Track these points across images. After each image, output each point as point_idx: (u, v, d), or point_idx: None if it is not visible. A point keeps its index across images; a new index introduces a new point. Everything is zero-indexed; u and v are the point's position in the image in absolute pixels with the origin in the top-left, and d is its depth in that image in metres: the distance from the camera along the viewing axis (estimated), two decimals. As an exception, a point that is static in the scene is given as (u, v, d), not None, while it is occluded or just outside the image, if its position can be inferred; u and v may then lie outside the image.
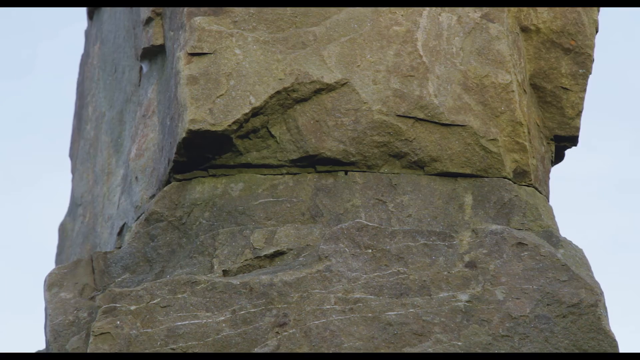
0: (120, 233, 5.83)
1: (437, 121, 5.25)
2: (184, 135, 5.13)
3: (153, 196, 5.46)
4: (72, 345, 4.80)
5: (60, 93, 14.70)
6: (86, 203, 6.77)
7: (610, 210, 14.10)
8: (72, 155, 7.48)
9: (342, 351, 4.67)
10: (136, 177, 5.76)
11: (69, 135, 7.50)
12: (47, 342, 5.10)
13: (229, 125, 5.13)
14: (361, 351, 4.67)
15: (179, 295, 4.72)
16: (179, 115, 5.21)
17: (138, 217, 5.48)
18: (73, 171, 7.39)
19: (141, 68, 6.02)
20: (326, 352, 4.66)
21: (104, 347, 4.63)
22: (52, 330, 4.98)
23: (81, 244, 6.74)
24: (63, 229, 7.28)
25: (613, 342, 4.83)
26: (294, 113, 5.23)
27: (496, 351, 4.73)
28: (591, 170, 14.28)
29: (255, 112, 5.17)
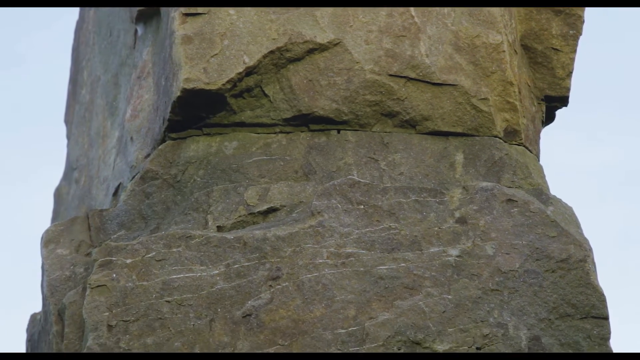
0: (115, 193, 5.90)
1: (428, 80, 5.32)
2: (178, 94, 5.19)
3: (148, 155, 5.52)
4: (69, 299, 4.87)
5: (51, 85, 14.75)
6: (81, 166, 6.84)
7: (618, 203, 14.03)
8: (68, 120, 7.53)
9: (335, 304, 4.75)
10: (131, 138, 5.82)
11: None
12: (44, 297, 5.17)
13: (223, 84, 5.19)
14: (353, 304, 4.75)
15: (174, 249, 4.79)
16: (173, 75, 5.27)
17: (133, 177, 5.55)
18: (68, 136, 7.45)
19: (136, 31, 6.07)
20: (318, 305, 4.74)
21: (101, 300, 4.70)
22: (49, 285, 5.05)
23: (77, 207, 6.80)
24: (58, 194, 7.34)
25: (601, 297, 4.91)
26: (287, 73, 5.29)
27: (485, 304, 4.81)
28: (600, 162, 14.26)
29: (249, 72, 5.23)
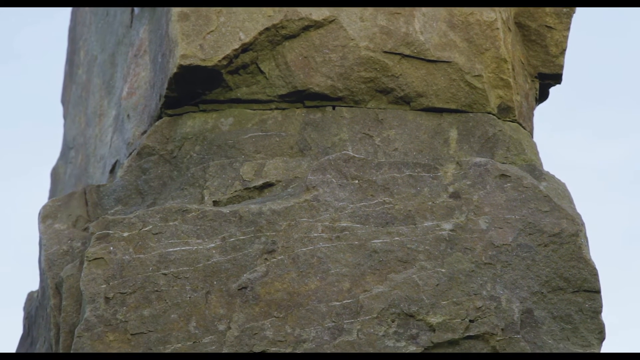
0: (112, 170, 5.94)
1: (423, 57, 5.36)
2: (175, 70, 5.23)
3: (145, 132, 5.56)
4: (66, 273, 4.92)
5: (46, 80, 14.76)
6: (78, 146, 6.88)
7: (626, 201, 14.00)
8: (64, 100, 7.57)
9: (329, 277, 4.79)
10: (128, 115, 5.86)
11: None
12: (42, 272, 5.22)
13: (219, 61, 5.23)
14: (347, 277, 4.80)
15: (171, 223, 4.84)
16: (170, 52, 5.31)
17: (130, 153, 5.59)
18: (65, 116, 7.48)
19: (133, 10, 6.11)
20: (313, 278, 4.79)
21: (98, 272, 4.75)
22: (47, 259, 5.10)
23: (73, 185, 6.84)
24: (55, 173, 7.38)
25: (593, 270, 4.96)
26: (283, 49, 5.33)
27: (478, 278, 4.86)
28: (609, 159, 14.22)
29: (245, 48, 5.26)
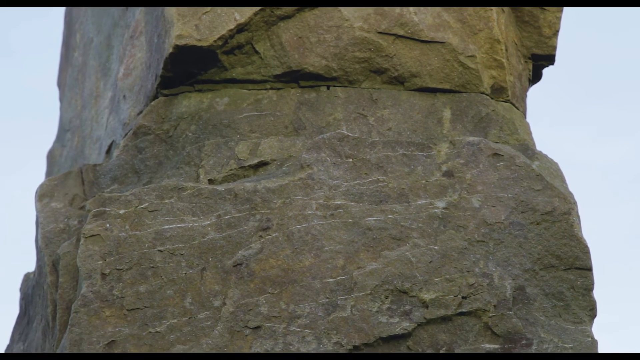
0: (108, 151, 5.98)
1: (416, 38, 5.40)
2: (170, 50, 5.27)
3: (141, 112, 5.60)
4: (63, 250, 4.96)
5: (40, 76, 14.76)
6: (74, 128, 6.91)
7: (631, 199, 13.96)
8: (60, 83, 7.60)
9: (323, 254, 4.84)
10: (124, 96, 5.90)
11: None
12: (39, 250, 5.26)
13: (215, 41, 5.27)
14: (341, 254, 4.85)
15: (166, 201, 4.88)
16: (165, 32, 5.35)
17: (126, 133, 5.63)
18: (61, 99, 7.51)
19: (128, -9, 6.14)
20: (308, 254, 4.83)
21: (94, 249, 4.79)
22: (44, 237, 5.14)
23: (70, 167, 6.87)
24: (51, 156, 7.41)
25: (585, 248, 5.01)
26: (278, 30, 5.37)
27: (471, 255, 4.91)
28: (614, 157, 14.19)
29: (240, 29, 5.30)
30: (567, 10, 7.15)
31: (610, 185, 14.02)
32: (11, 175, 14.55)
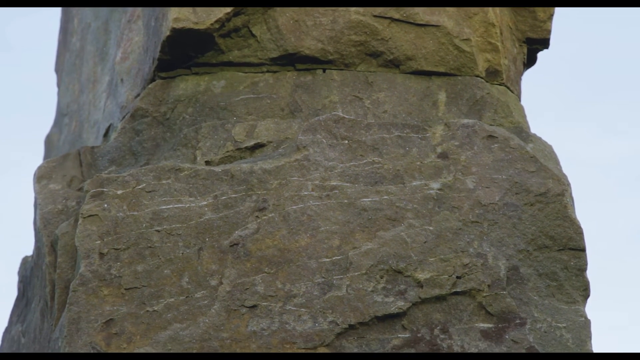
0: (106, 134, 6.02)
1: (412, 21, 5.44)
2: (168, 33, 5.31)
3: (138, 95, 5.64)
4: (61, 231, 5.00)
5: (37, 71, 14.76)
6: (72, 112, 6.95)
7: (633, 197, 13.91)
8: (58, 69, 7.64)
9: (319, 234, 4.89)
10: (121, 80, 5.94)
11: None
12: (37, 231, 5.31)
13: (212, 24, 5.31)
14: (337, 234, 4.89)
15: (164, 181, 4.93)
16: (163, 15, 5.39)
17: (124, 116, 5.67)
18: (59, 84, 7.55)
19: (126, -24, 6.18)
20: (304, 235, 4.88)
21: (92, 228, 4.84)
22: (42, 218, 5.19)
23: (67, 151, 6.91)
24: (49, 141, 7.45)
25: (578, 229, 5.06)
26: (274, 13, 5.41)
27: (465, 235, 4.96)
28: (615, 155, 14.17)
29: (237, 12, 5.34)
30: (570, 7, 7.21)
31: (613, 182, 14.03)
32: (9, 166, 14.60)
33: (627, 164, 14.10)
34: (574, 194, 5.20)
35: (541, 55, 5.91)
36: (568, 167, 5.78)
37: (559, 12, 6.57)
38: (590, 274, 5.08)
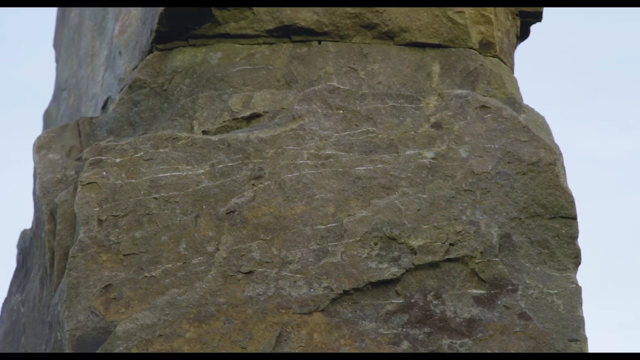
0: (104, 107, 6.09)
1: (406, -6, 5.51)
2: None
3: (136, 67, 5.71)
4: (61, 199, 5.08)
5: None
6: (70, 86, 7.02)
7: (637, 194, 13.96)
8: (56, 44, 7.70)
9: (314, 202, 4.97)
10: (120, 52, 6.01)
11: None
12: (37, 199, 5.38)
13: (208, -4, 5.37)
14: (332, 202, 4.97)
15: (161, 150, 5.00)
16: (160, -13, 5.45)
17: (122, 88, 5.74)
18: (57, 60, 7.61)
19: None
20: (299, 202, 4.96)
21: (91, 196, 4.91)
22: (42, 187, 5.26)
23: (66, 126, 6.98)
24: (47, 115, 7.52)
25: (570, 198, 5.13)
26: (270, -15, 5.47)
27: (459, 204, 5.03)
28: (622, 150, 14.17)
29: (233, -16, 5.41)
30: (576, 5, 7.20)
31: (619, 178, 14.02)
32: (7, 164, 14.68)
33: (631, 161, 14.16)
34: (585, 192, 5.25)
35: (546, 47, 5.97)
36: (576, 163, 5.85)
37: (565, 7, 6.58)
38: (600, 271, 5.13)
